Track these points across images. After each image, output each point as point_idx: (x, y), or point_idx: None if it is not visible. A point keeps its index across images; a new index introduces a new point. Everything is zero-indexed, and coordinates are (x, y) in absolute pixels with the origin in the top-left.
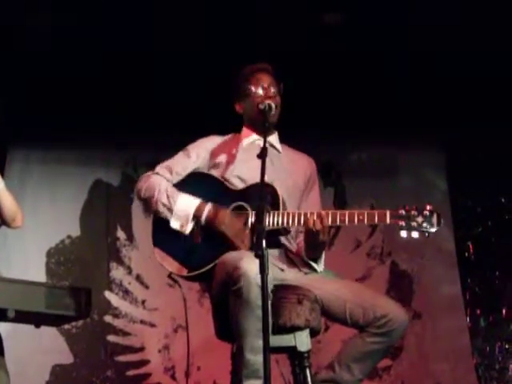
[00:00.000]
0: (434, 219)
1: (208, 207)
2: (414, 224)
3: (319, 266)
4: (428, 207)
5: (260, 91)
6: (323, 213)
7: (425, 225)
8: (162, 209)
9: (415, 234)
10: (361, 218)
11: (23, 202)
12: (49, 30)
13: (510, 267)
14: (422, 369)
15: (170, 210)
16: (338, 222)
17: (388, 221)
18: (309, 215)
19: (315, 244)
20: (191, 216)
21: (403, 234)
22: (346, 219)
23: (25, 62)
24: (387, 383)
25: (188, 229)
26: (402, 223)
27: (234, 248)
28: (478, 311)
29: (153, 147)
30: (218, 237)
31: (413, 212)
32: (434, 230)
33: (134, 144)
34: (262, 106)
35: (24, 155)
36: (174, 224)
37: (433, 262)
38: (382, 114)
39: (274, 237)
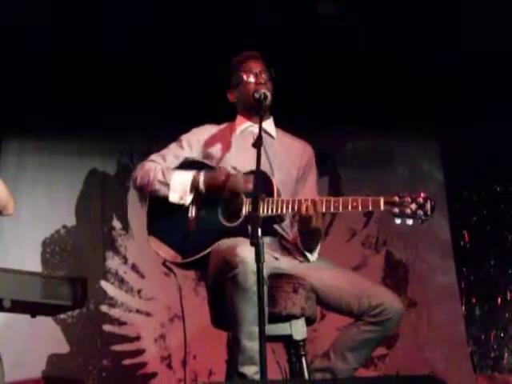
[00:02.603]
0: (428, 206)
1: (203, 173)
2: (407, 211)
3: (313, 256)
4: (422, 194)
5: (251, 78)
6: (317, 199)
7: (419, 212)
8: (158, 186)
9: (409, 221)
10: (354, 204)
11: (19, 193)
12: (48, 22)
13: (505, 256)
14: (418, 357)
15: (167, 184)
16: (332, 209)
17: (382, 208)
18: (302, 201)
19: (309, 231)
20: (189, 186)
21: (397, 221)
22: (340, 206)
23: (20, 52)
24: (382, 371)
25: (188, 200)
26: (396, 210)
27: (235, 196)
28: (473, 300)
29: (149, 136)
30: (221, 196)
31: (407, 199)
32: (427, 217)
33: (130, 133)
34: (257, 95)
35: (19, 145)
36: (173, 196)
37: (428, 250)
38: (377, 104)
39: (269, 225)
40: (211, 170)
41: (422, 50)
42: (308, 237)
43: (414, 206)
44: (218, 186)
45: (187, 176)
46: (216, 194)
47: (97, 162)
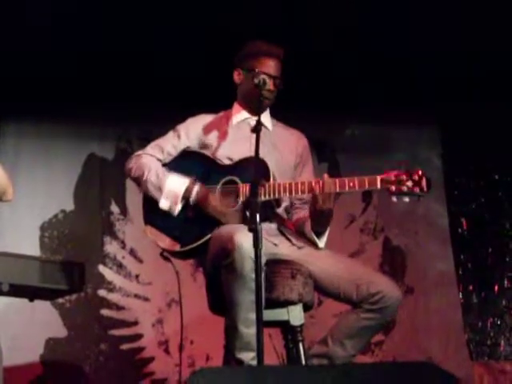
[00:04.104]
0: (424, 183)
1: (196, 188)
2: (404, 188)
3: (321, 241)
4: (418, 172)
5: (266, 78)
6: (313, 181)
7: (415, 189)
8: (151, 188)
9: (406, 199)
10: (351, 184)
11: (17, 177)
12: (48, 8)
13: (503, 244)
14: (414, 344)
15: (160, 189)
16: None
17: (379, 186)
18: (299, 184)
19: (321, 212)
20: (180, 197)
21: (394, 198)
22: (337, 186)
23: (19, 35)
24: (379, 358)
25: (177, 210)
26: (393, 188)
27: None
28: (471, 287)
29: (147, 121)
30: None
31: (403, 177)
32: (423, 193)
33: (128, 118)
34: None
35: (17, 130)
36: (164, 204)
37: (426, 237)
38: (376, 90)
39: (266, 210)
40: (205, 188)
41: (422, 39)
42: (319, 218)
43: (410, 184)
44: (204, 207)
45: (181, 185)
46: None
47: (95, 147)
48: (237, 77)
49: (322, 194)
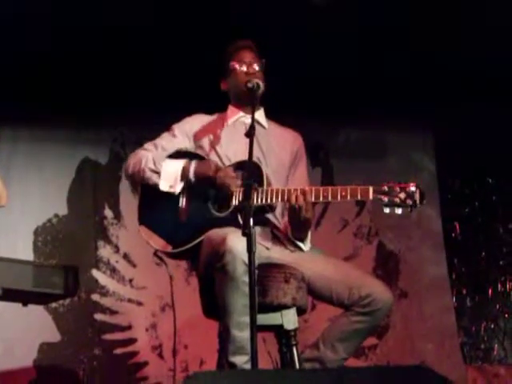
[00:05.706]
0: (417, 196)
1: (194, 162)
2: (396, 200)
3: (305, 245)
4: (411, 184)
5: (243, 68)
6: (307, 189)
7: (408, 201)
8: (149, 174)
9: (398, 211)
10: (343, 194)
11: (11, 181)
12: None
13: (496, 248)
14: (408, 348)
15: (158, 172)
16: (321, 198)
17: (371, 197)
18: (292, 191)
19: (299, 221)
20: (179, 175)
21: (386, 210)
22: (329, 195)
23: (14, 42)
24: (373, 361)
25: (178, 188)
26: (385, 199)
27: (225, 189)
28: (464, 291)
29: (140, 125)
30: (210, 188)
31: (396, 188)
32: (416, 206)
33: (123, 122)
34: (250, 85)
35: (11, 134)
36: (163, 185)
37: (420, 242)
38: (370, 95)
39: (259, 214)
40: (202, 161)
41: (418, 41)
42: (298, 227)
43: (403, 195)
44: (207, 177)
45: (178, 165)
46: (205, 185)
47: (89, 151)
48: (223, 85)
49: (304, 203)
